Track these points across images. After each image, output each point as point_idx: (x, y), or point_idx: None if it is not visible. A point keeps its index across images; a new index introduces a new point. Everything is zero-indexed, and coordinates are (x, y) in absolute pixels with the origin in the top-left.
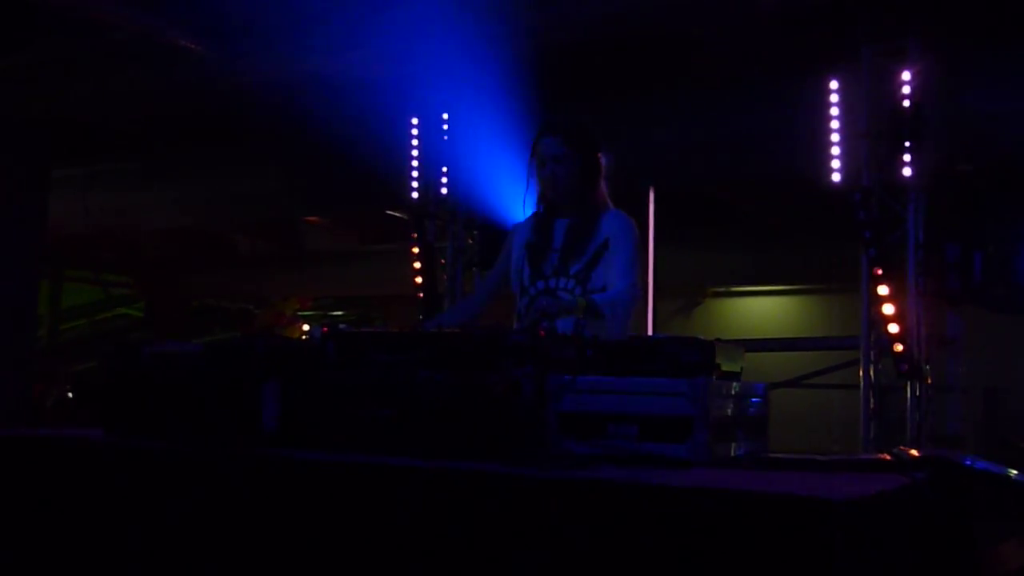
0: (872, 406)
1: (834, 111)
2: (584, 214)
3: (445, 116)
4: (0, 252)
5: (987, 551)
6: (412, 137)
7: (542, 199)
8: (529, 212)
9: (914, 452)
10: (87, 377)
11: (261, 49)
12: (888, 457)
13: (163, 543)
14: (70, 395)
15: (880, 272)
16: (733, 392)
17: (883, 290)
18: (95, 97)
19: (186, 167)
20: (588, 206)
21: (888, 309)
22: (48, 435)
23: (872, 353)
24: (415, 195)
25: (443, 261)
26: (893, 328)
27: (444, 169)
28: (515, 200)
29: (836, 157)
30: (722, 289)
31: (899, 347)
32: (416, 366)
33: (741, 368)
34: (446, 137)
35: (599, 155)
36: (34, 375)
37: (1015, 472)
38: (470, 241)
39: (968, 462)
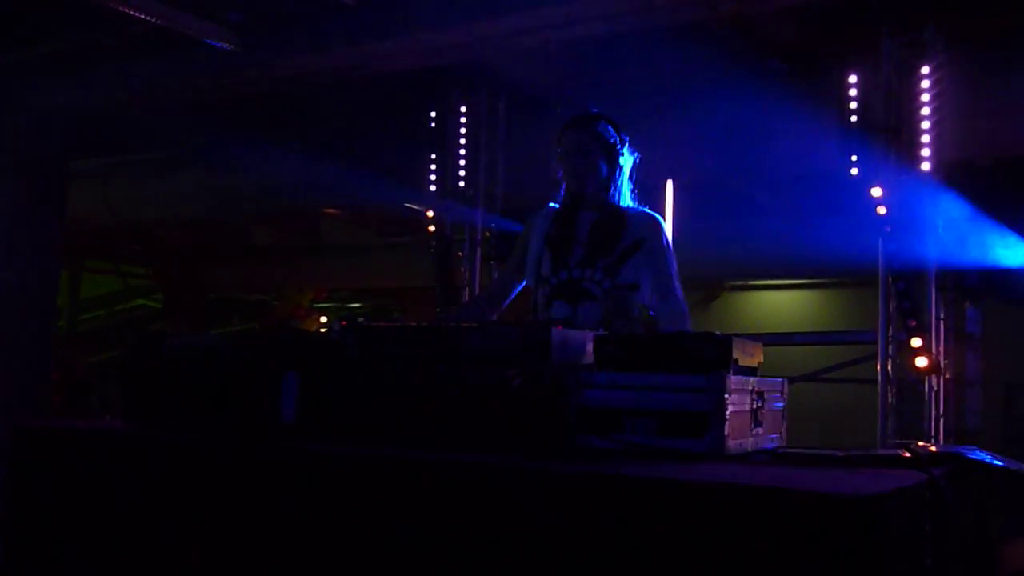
0: (890, 401)
1: (853, 104)
2: (610, 209)
3: (463, 109)
4: (21, 243)
5: (1005, 547)
6: (430, 129)
7: (566, 191)
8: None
9: (932, 448)
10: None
11: (280, 41)
12: (906, 453)
13: (180, 533)
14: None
15: (898, 266)
16: (751, 387)
17: (901, 284)
18: (115, 89)
19: (205, 159)
20: (613, 200)
21: (906, 303)
22: (69, 426)
23: (890, 348)
24: (432, 188)
25: (460, 254)
26: (911, 322)
27: (462, 162)
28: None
29: (854, 151)
30: (740, 282)
31: (917, 341)
32: (434, 360)
33: (759, 363)
34: (463, 129)
35: (627, 150)
36: (52, 365)
37: None
38: (487, 234)
39: (986, 458)
